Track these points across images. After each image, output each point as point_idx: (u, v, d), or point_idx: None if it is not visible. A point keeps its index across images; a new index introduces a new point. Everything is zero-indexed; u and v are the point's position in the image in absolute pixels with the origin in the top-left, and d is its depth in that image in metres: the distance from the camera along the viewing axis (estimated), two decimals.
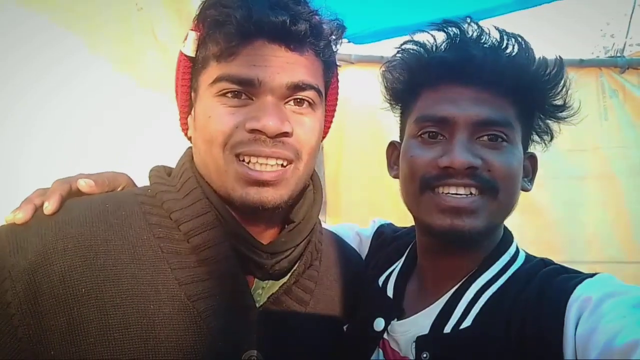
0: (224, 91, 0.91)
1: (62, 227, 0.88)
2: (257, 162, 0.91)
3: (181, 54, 0.99)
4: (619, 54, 2.96)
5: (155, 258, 0.90)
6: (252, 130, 0.89)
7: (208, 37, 0.92)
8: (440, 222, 1.00)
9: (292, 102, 0.94)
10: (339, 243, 1.26)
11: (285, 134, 0.91)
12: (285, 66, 0.91)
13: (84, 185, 0.98)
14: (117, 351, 0.83)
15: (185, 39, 0.98)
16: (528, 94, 1.03)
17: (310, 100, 0.95)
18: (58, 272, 0.83)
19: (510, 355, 0.90)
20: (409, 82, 1.12)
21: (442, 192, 1.00)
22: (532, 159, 1.13)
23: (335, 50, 1.02)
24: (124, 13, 1.87)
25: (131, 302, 0.85)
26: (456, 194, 0.99)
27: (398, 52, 1.12)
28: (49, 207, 0.90)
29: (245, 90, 0.91)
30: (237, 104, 0.91)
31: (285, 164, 0.93)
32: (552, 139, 1.12)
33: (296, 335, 1.01)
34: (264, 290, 1.00)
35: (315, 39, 0.94)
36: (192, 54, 0.97)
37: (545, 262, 1.04)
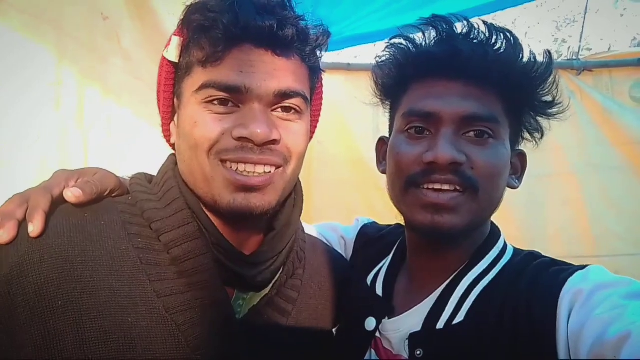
0: (210, 98, 0.89)
1: (38, 237, 0.85)
2: (244, 168, 0.89)
3: (164, 59, 0.96)
4: (574, 57, 3.07)
5: (134, 269, 0.88)
6: (240, 138, 0.87)
7: (193, 42, 0.90)
8: (421, 218, 1.00)
9: (279, 110, 0.92)
10: (324, 249, 1.24)
11: (274, 142, 0.90)
12: (272, 72, 0.90)
13: (70, 196, 0.91)
14: None
15: (168, 44, 0.95)
16: (516, 90, 1.02)
17: (297, 108, 0.94)
18: (33, 284, 0.81)
19: (504, 349, 0.90)
20: (398, 77, 1.11)
21: (426, 188, 1.00)
22: (521, 157, 1.12)
23: (320, 56, 1.01)
24: (90, 22, 1.86)
25: (109, 315, 0.83)
26: (440, 190, 0.99)
27: (387, 46, 1.11)
28: (34, 230, 0.84)
29: (232, 97, 0.89)
30: (224, 111, 0.89)
31: (272, 170, 0.92)
32: (542, 136, 1.11)
33: (278, 346, 0.99)
34: (244, 302, 0.98)
35: (301, 45, 0.93)
36: (175, 59, 0.94)
37: (535, 255, 1.04)
